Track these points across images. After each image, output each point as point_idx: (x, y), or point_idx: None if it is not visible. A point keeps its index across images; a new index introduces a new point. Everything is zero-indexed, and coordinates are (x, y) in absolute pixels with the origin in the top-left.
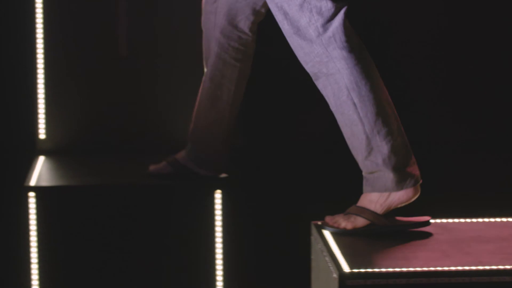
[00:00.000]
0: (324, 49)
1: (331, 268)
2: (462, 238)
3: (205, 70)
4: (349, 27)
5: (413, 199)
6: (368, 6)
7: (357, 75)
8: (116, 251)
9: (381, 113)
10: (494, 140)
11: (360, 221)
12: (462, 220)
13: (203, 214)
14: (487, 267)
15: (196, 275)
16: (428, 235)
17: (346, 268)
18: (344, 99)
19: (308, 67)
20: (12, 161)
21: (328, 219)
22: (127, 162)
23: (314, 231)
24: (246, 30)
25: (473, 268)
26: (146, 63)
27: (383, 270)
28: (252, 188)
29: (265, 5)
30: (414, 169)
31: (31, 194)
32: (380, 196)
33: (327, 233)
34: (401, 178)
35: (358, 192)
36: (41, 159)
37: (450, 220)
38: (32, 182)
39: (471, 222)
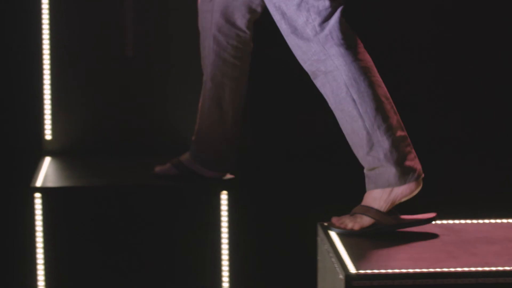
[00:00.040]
0: (322, 47)
1: (337, 269)
2: (468, 239)
3: (203, 70)
4: (345, 25)
5: (415, 193)
6: (368, 6)
7: (355, 71)
8: (121, 252)
9: (380, 108)
10: (503, 141)
11: (367, 220)
12: (468, 221)
13: (209, 215)
14: (494, 268)
15: (202, 276)
16: (434, 236)
17: (352, 269)
18: (343, 95)
19: (306, 66)
20: (18, 162)
21: (334, 220)
22: (133, 163)
23: (320, 232)
24: (244, 28)
25: (480, 269)
26: (152, 64)
27: (389, 271)
28: (258, 189)
29: (260, 3)
30: (416, 163)
31: (37, 195)
32: (383, 192)
33: (333, 234)
34: (404, 172)
35: (364, 192)
36: (47, 160)
37: (457, 221)
38: (38, 183)
39: (478, 223)
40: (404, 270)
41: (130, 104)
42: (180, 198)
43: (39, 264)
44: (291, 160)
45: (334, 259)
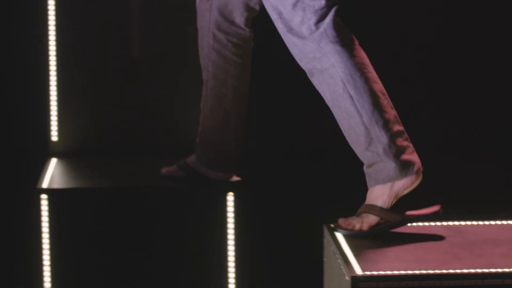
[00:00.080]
0: (317, 45)
1: (344, 270)
2: (474, 240)
3: (202, 70)
4: (339, 22)
5: (416, 184)
6: (368, 6)
7: (351, 67)
8: (127, 253)
9: (377, 104)
10: (509, 142)
11: (373, 219)
12: (474, 222)
13: (215, 216)
14: (500, 270)
15: (209, 277)
16: (440, 237)
17: (358, 270)
18: (340, 92)
19: (302, 64)
20: (24, 163)
21: (341, 221)
22: (139, 164)
23: (326, 233)
24: (242, 25)
25: (486, 270)
26: (159, 65)
27: (396, 272)
28: (264, 190)
29: (258, 1)
30: (415, 157)
31: (44, 196)
32: (385, 188)
33: (339, 235)
34: (403, 166)
35: None
36: (53, 161)
37: (463, 223)
38: (45, 184)
39: (483, 224)
40: (410, 272)
41: (137, 106)
42: (186, 199)
43: (45, 265)
44: (297, 161)
45: (340, 261)
